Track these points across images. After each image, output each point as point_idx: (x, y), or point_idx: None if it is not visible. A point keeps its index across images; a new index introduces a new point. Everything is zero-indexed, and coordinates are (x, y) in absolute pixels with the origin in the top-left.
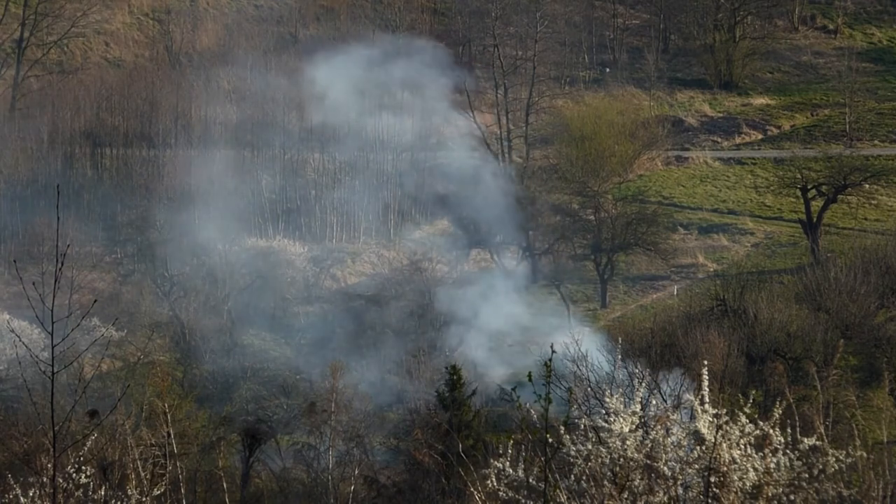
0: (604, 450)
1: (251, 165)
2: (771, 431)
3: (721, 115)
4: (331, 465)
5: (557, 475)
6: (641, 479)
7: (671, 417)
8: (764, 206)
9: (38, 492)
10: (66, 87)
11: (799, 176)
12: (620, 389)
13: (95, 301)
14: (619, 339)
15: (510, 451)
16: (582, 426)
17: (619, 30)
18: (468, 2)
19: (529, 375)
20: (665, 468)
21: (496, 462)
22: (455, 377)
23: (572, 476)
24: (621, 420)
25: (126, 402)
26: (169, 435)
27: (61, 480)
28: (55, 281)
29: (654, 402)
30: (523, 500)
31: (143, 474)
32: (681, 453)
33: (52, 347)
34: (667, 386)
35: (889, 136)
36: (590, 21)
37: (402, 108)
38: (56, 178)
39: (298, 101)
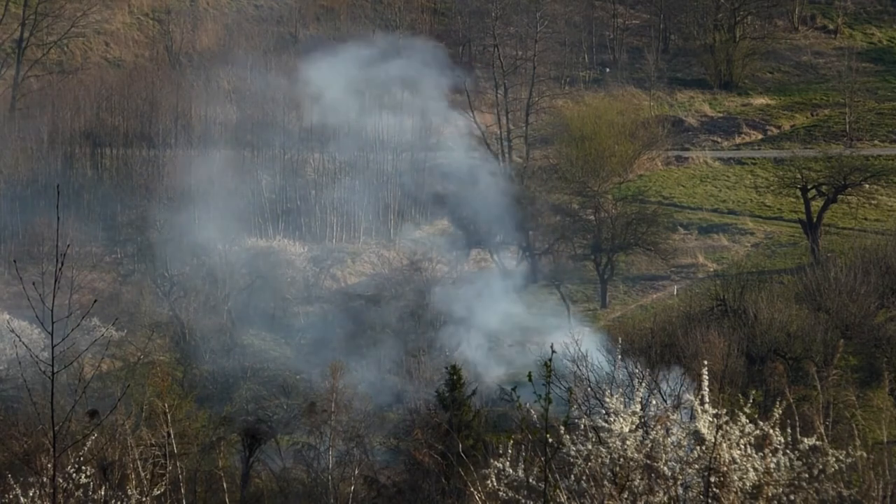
0: (604, 450)
1: (251, 165)
2: (771, 431)
3: (721, 115)
4: (331, 465)
5: (557, 475)
6: (641, 479)
7: (671, 417)
8: (764, 206)
9: (38, 492)
10: (66, 87)
11: (799, 176)
12: (620, 389)
13: (95, 301)
14: (619, 339)
15: (510, 451)
16: (582, 426)
17: (619, 30)
18: (468, 2)
19: (529, 375)
20: (665, 468)
21: (496, 462)
22: (455, 377)
23: (572, 476)
24: (621, 420)
25: (126, 402)
26: (169, 435)
27: (61, 480)
28: (55, 281)
29: (654, 402)
30: (523, 500)
31: (143, 474)
32: (681, 453)
33: (52, 347)
34: (667, 386)
35: (889, 136)
36: (590, 21)
37: (402, 108)
38: (56, 178)
39: (298, 101)
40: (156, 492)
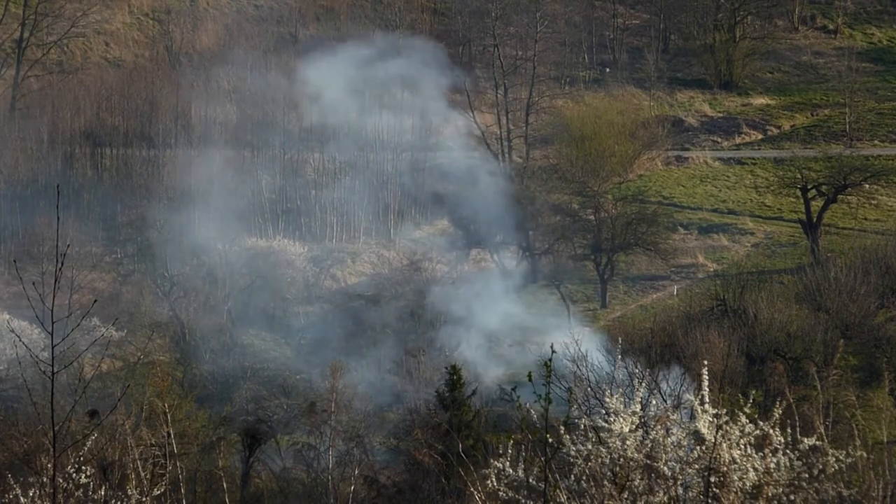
0: (604, 450)
1: (251, 165)
2: (771, 431)
3: (721, 115)
4: (331, 465)
5: (557, 475)
6: (641, 479)
7: (671, 417)
8: (764, 206)
9: (38, 492)
10: (66, 87)
11: (799, 176)
12: (620, 389)
13: (95, 301)
14: (619, 339)
15: (510, 451)
16: (582, 426)
17: (619, 30)
18: (468, 2)
19: (529, 375)
20: (665, 468)
21: (496, 462)
22: (455, 377)
23: (572, 476)
24: (621, 420)
25: (126, 402)
26: (169, 435)
27: (61, 480)
28: (55, 281)
29: (654, 402)
30: (523, 500)
31: (143, 474)
32: (681, 453)
33: (52, 347)
34: (667, 386)
35: (889, 136)
36: (590, 21)
37: (402, 108)
38: (56, 178)
39: (298, 101)
40: (156, 492)
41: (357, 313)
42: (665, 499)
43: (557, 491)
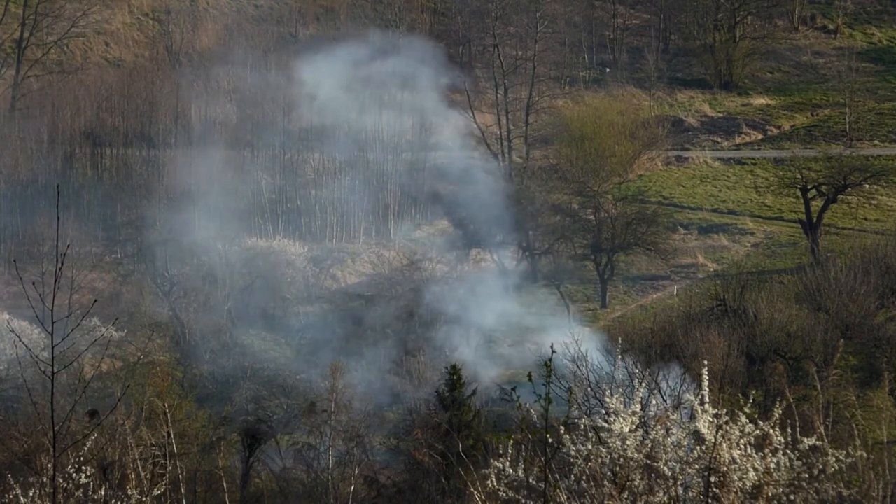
0: (604, 450)
1: (250, 165)
2: (771, 431)
3: (721, 115)
4: (331, 465)
5: (557, 475)
6: (641, 479)
7: (671, 417)
8: (764, 206)
9: (38, 492)
10: (66, 87)
11: (799, 176)
12: (620, 389)
13: (95, 301)
14: (619, 339)
15: (510, 451)
16: (582, 426)
17: (619, 30)
18: (468, 2)
19: (529, 375)
20: (665, 468)
21: (496, 462)
22: (455, 377)
23: (572, 476)
24: (621, 420)
25: (126, 402)
26: (169, 435)
27: (61, 480)
28: (55, 281)
29: (654, 402)
30: (523, 500)
31: (143, 474)
32: (681, 453)
33: (52, 347)
34: (667, 385)
35: (889, 136)
36: (590, 21)
37: (402, 108)
38: (56, 178)
39: (298, 100)
40: (156, 492)
41: (357, 313)
42: (665, 499)
43: (557, 491)
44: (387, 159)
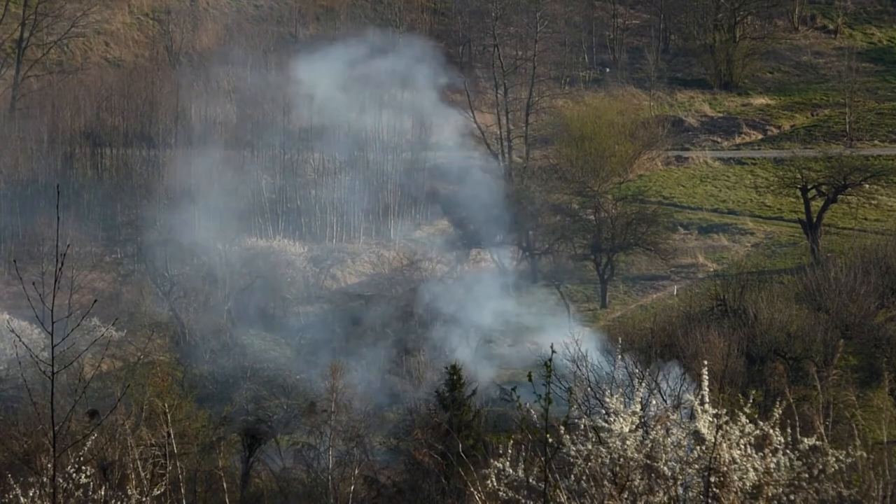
0: (604, 450)
1: (250, 165)
2: (771, 431)
3: (721, 115)
4: (331, 465)
5: (557, 475)
6: (641, 479)
7: (671, 417)
8: (764, 206)
9: (38, 492)
10: (66, 87)
11: (799, 176)
12: (620, 389)
13: (95, 301)
14: (619, 339)
15: (510, 451)
16: (582, 426)
17: (619, 30)
18: (468, 2)
19: (529, 375)
20: (665, 468)
21: (496, 462)
22: (455, 377)
23: (572, 476)
24: (621, 420)
25: (126, 402)
26: (169, 435)
27: (61, 480)
28: (55, 281)
29: (654, 402)
30: (523, 500)
31: (143, 474)
32: (681, 453)
33: (52, 347)
34: (667, 385)
35: (889, 136)
36: (590, 21)
37: (402, 108)
38: (56, 178)
39: (298, 100)
40: (156, 492)
41: (356, 313)
42: (665, 499)
43: (557, 491)
44: (386, 159)
